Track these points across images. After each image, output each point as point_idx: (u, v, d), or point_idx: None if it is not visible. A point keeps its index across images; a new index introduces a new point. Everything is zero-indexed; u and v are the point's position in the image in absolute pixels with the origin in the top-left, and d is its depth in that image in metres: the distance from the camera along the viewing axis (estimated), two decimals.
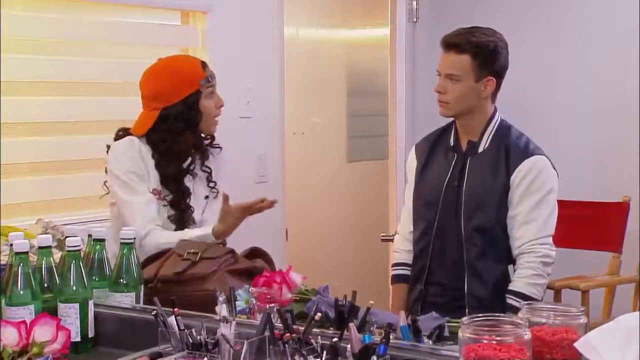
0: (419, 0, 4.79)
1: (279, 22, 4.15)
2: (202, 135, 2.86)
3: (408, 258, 2.94)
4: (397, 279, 2.97)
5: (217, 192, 2.87)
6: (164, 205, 2.75)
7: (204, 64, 2.85)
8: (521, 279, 2.70)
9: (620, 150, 4.37)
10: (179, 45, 3.84)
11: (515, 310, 2.53)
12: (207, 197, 2.87)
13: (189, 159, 2.82)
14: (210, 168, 2.88)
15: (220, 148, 2.93)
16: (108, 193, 2.82)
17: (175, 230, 2.74)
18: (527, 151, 2.77)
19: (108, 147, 2.84)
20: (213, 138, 2.91)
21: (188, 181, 2.82)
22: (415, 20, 4.80)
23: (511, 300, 2.68)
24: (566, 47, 4.51)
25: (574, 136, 4.47)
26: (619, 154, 4.37)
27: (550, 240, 2.75)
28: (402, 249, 2.98)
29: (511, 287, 2.71)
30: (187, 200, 2.78)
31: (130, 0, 3.60)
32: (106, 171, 2.82)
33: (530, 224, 2.72)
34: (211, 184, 2.88)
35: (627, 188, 4.18)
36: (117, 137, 2.83)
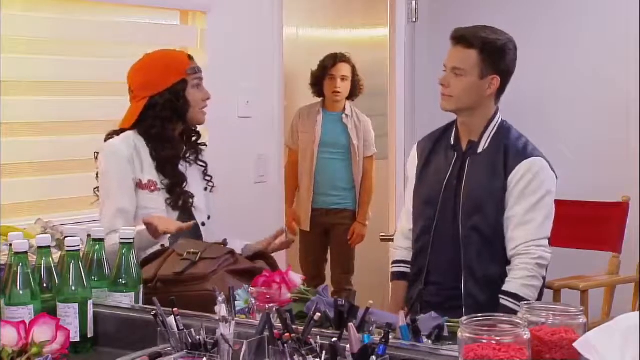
0: (419, 0, 4.79)
1: (278, 22, 4.15)
2: (191, 126, 2.92)
3: (407, 255, 2.94)
4: (396, 276, 2.96)
5: (213, 186, 2.95)
6: (158, 195, 2.80)
7: (190, 57, 2.93)
8: (515, 280, 2.68)
9: (620, 150, 4.37)
10: (178, 45, 3.83)
11: (509, 311, 2.52)
12: (205, 189, 2.94)
13: (181, 148, 2.88)
14: (205, 163, 2.95)
15: (205, 145, 2.98)
16: (98, 199, 2.85)
17: (179, 217, 2.79)
18: (525, 152, 2.76)
19: (97, 153, 2.86)
20: (199, 135, 2.94)
21: (183, 169, 2.88)
22: (414, 20, 4.81)
23: (505, 301, 2.66)
24: (566, 47, 4.51)
25: (573, 136, 4.47)
26: (618, 154, 4.37)
27: (546, 242, 2.73)
28: (401, 247, 2.98)
29: (505, 288, 2.69)
30: (184, 185, 2.83)
31: (130, 0, 3.61)
32: (97, 175, 2.85)
33: (526, 225, 2.71)
34: (207, 178, 2.95)
35: (626, 188, 4.18)
36: (108, 139, 2.86)
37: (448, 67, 2.77)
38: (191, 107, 2.85)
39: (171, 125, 2.84)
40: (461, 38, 2.76)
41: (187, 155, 2.91)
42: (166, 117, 2.82)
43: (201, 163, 2.94)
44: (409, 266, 2.93)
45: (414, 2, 4.79)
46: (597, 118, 4.43)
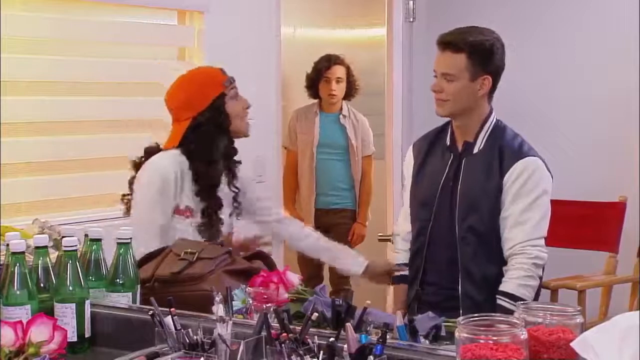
0: (416, 0, 4.79)
1: (276, 22, 4.15)
2: (235, 138, 2.86)
3: (407, 258, 2.94)
4: (397, 279, 2.97)
5: (240, 213, 2.91)
6: (191, 221, 2.76)
7: (222, 70, 2.89)
8: (512, 280, 2.67)
9: (617, 150, 4.38)
10: (176, 45, 3.84)
11: (505, 311, 2.52)
12: (230, 215, 2.89)
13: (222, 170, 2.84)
14: (238, 189, 2.88)
15: (240, 163, 2.90)
16: (128, 206, 2.82)
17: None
18: (520, 152, 2.75)
19: (135, 162, 2.84)
20: (236, 151, 2.89)
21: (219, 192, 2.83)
22: (412, 19, 4.81)
23: (501, 301, 2.66)
24: (564, 46, 4.52)
25: (571, 136, 4.47)
26: (616, 154, 4.38)
27: (543, 242, 2.73)
28: (401, 249, 2.98)
29: (502, 288, 2.68)
30: (219, 212, 2.80)
31: (129, 0, 3.60)
32: (131, 183, 2.81)
33: (522, 225, 2.70)
34: (235, 204, 2.89)
35: (623, 188, 4.19)
36: (147, 155, 2.81)
37: (438, 73, 2.77)
38: (233, 119, 2.81)
39: (217, 143, 2.79)
40: (448, 43, 2.75)
41: (224, 176, 2.85)
42: (211, 134, 2.78)
43: (234, 189, 2.87)
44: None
45: (411, 2, 4.79)
46: (594, 118, 4.44)
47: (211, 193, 2.79)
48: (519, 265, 2.67)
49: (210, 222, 2.78)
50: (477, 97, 2.76)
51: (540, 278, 2.73)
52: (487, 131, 2.80)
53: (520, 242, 2.69)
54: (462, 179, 2.79)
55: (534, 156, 2.76)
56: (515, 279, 2.67)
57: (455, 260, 2.75)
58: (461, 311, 2.65)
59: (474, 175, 2.77)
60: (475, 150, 2.80)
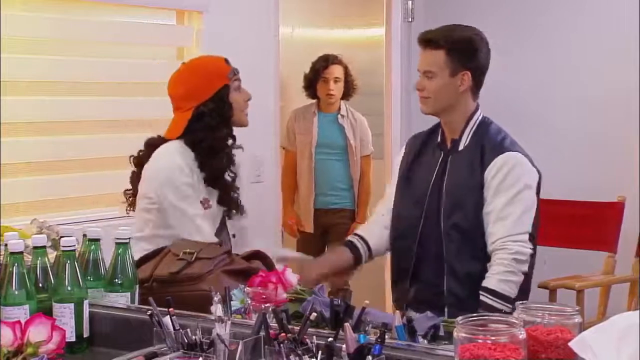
0: (414, 0, 4.80)
1: (275, 22, 4.15)
2: (235, 128, 2.85)
3: (368, 237, 2.93)
4: (347, 244, 2.94)
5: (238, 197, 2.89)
6: (208, 212, 2.75)
7: (226, 60, 2.85)
8: (493, 276, 2.65)
9: (616, 150, 4.38)
10: (174, 45, 3.84)
11: (488, 307, 2.53)
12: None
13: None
14: (235, 173, 2.86)
15: (241, 148, 2.89)
16: (131, 202, 2.81)
17: (218, 229, 2.76)
18: (501, 148, 2.75)
19: (139, 155, 2.83)
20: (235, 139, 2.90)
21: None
22: (410, 20, 4.82)
23: (484, 297, 2.63)
24: (561, 47, 4.52)
25: (569, 136, 4.48)
26: (615, 154, 4.38)
27: (526, 237, 2.69)
28: (369, 229, 2.97)
29: (484, 284, 2.66)
30: (232, 194, 2.81)
31: (128, 0, 3.61)
32: (137, 176, 2.78)
33: (504, 220, 2.68)
34: (234, 188, 2.88)
35: (622, 188, 4.19)
36: (148, 148, 2.80)
37: (421, 71, 2.79)
38: (234, 111, 2.79)
39: (220, 133, 2.78)
40: (429, 41, 2.77)
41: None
42: (215, 125, 2.75)
43: (231, 174, 2.84)
44: (364, 245, 2.92)
45: (409, 2, 4.80)
46: (593, 118, 4.44)
47: (222, 180, 2.78)
48: (500, 261, 2.66)
49: (230, 205, 2.79)
50: (458, 94, 2.77)
51: (525, 274, 2.68)
52: (472, 128, 2.80)
53: (501, 238, 2.67)
54: (447, 177, 2.79)
55: (515, 151, 2.75)
56: (496, 275, 2.65)
57: (441, 258, 2.75)
58: (446, 308, 2.65)
59: (458, 172, 2.78)
60: (461, 147, 2.80)
